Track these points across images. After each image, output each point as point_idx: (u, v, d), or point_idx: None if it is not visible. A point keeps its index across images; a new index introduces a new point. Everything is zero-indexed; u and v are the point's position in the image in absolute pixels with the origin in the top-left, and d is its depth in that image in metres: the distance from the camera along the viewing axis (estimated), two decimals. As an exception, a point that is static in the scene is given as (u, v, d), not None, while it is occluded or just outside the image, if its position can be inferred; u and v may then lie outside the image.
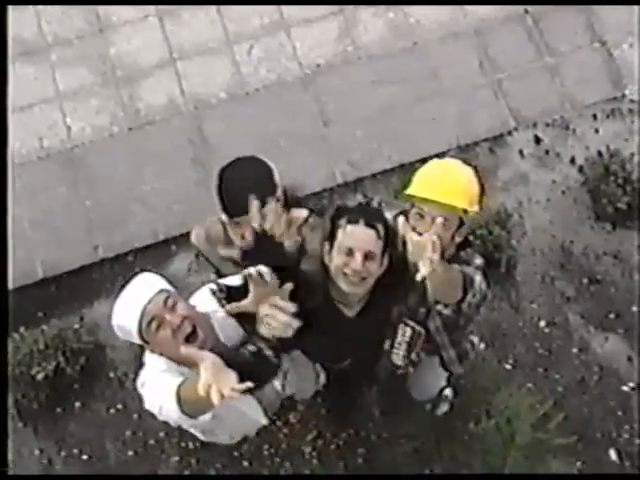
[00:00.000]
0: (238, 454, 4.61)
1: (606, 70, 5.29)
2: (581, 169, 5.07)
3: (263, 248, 3.03)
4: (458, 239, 3.33)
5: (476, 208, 3.28)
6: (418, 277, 2.80)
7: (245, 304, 3.04)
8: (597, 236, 4.97)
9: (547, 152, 5.14)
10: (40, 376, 4.60)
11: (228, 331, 3.19)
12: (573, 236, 4.96)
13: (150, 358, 3.13)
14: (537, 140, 5.16)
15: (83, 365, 4.70)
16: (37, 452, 4.66)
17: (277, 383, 3.41)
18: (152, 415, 4.50)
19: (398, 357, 3.34)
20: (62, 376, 4.66)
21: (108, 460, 4.65)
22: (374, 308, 3.28)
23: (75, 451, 4.67)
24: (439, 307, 3.24)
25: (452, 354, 3.69)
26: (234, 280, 3.24)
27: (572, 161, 5.10)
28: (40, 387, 4.65)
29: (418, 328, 3.28)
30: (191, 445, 4.64)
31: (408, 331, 3.29)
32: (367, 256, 3.04)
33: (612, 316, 4.81)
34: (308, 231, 3.43)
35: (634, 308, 4.81)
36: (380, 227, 3.07)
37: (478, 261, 3.36)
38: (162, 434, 4.65)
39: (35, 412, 4.68)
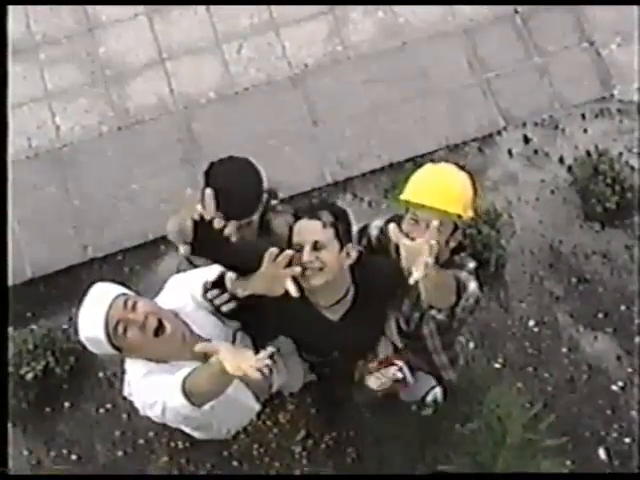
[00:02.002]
0: (228, 454, 4.61)
1: (595, 70, 5.31)
2: (570, 169, 5.09)
3: (206, 240, 2.95)
4: (452, 244, 3.34)
5: (470, 213, 3.29)
6: (411, 280, 2.80)
7: (253, 285, 3.03)
8: (586, 235, 4.99)
9: (536, 152, 5.15)
10: (29, 376, 4.58)
11: (202, 324, 3.20)
12: (562, 236, 4.97)
13: (130, 364, 3.14)
14: (526, 140, 5.17)
15: (72, 365, 4.69)
16: (26, 452, 4.65)
17: None
18: (141, 414, 4.52)
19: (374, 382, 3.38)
20: (51, 376, 4.65)
21: (97, 460, 4.65)
22: (358, 311, 3.28)
23: (64, 451, 4.66)
24: (433, 312, 3.25)
25: (444, 359, 3.71)
26: (207, 272, 3.22)
27: (561, 161, 5.12)
28: (29, 387, 4.63)
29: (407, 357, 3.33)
30: (181, 445, 4.63)
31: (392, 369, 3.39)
32: (315, 246, 3.04)
33: (601, 315, 4.82)
34: (272, 215, 3.47)
35: (623, 307, 4.83)
36: (325, 216, 3.08)
37: (471, 265, 3.37)
38: (151, 434, 4.65)
39: (24, 412, 4.66)
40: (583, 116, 5.22)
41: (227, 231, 2.91)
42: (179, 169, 5.11)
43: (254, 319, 3.21)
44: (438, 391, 4.33)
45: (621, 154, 5.06)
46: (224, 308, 3.11)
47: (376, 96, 5.23)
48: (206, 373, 2.73)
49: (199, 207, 2.95)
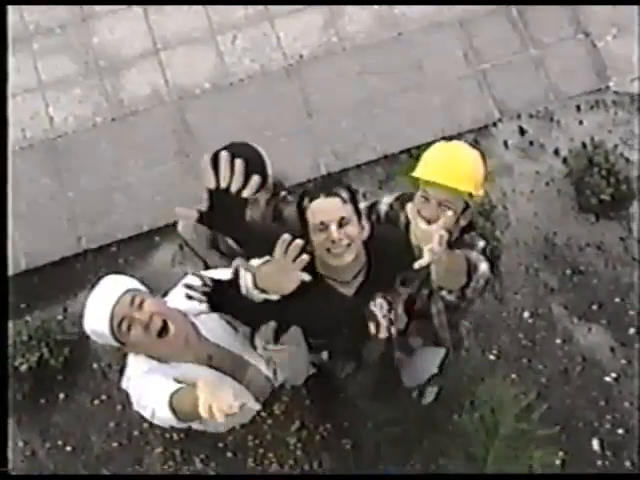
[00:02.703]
0: (222, 445, 4.60)
1: (590, 62, 5.30)
2: (565, 160, 5.09)
3: (222, 208, 2.87)
4: (463, 222, 3.32)
5: (481, 192, 3.27)
6: (416, 265, 2.77)
7: (263, 267, 2.99)
8: (581, 227, 4.99)
9: (531, 143, 5.15)
10: (23, 367, 4.59)
11: (214, 329, 3.17)
12: (557, 227, 4.98)
13: (132, 359, 3.13)
14: (521, 131, 5.17)
15: (67, 356, 4.69)
16: (21, 444, 4.65)
17: (264, 367, 3.41)
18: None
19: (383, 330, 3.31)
20: (46, 367, 4.65)
21: (92, 451, 4.66)
22: (372, 284, 3.25)
23: (59, 442, 4.66)
24: (443, 293, 3.22)
25: (447, 335, 3.67)
26: (220, 273, 3.21)
27: (556, 152, 5.12)
28: (23, 378, 4.64)
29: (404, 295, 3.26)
30: (175, 436, 4.61)
31: (385, 305, 3.27)
32: (341, 223, 3.01)
33: (595, 307, 4.83)
34: (284, 205, 3.45)
35: (617, 299, 4.83)
36: (342, 192, 3.04)
37: (481, 244, 3.35)
38: (146, 425, 4.63)
39: (19, 403, 4.67)
40: (578, 108, 5.22)
41: (247, 191, 2.80)
42: (173, 160, 5.10)
43: (262, 311, 3.17)
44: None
45: (616, 146, 5.06)
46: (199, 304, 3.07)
47: (371, 87, 5.22)
48: (189, 397, 2.66)
49: (212, 176, 2.87)
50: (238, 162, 2.69)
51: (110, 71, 5.31)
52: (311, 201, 3.05)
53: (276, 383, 3.56)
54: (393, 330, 3.35)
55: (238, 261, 3.04)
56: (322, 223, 3.01)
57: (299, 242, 2.81)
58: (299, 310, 3.20)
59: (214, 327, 3.16)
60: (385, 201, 3.61)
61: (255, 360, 3.32)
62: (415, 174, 3.27)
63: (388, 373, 3.95)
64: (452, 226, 3.23)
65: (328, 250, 3.04)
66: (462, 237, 3.37)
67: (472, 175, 3.23)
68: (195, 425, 3.69)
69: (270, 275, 2.92)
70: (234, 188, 2.76)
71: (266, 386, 3.49)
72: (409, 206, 2.89)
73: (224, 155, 2.74)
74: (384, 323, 3.32)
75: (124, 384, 3.15)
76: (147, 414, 2.99)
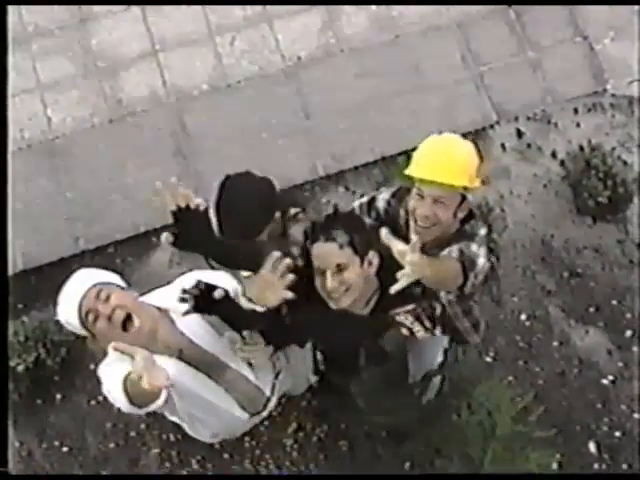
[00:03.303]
0: (219, 446, 4.61)
1: (588, 64, 5.31)
2: (562, 163, 5.09)
3: (188, 227, 2.93)
4: (461, 215, 3.31)
5: (477, 183, 3.26)
6: (391, 291, 2.78)
7: (251, 278, 3.04)
8: (578, 230, 4.99)
9: (529, 146, 5.15)
10: (20, 368, 4.58)
11: (192, 327, 3.24)
12: (554, 230, 4.98)
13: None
14: (519, 134, 5.18)
15: (64, 357, 4.69)
16: (17, 444, 4.65)
17: (252, 376, 3.41)
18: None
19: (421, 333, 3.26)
20: (42, 368, 4.65)
21: (89, 452, 4.65)
22: (385, 303, 3.23)
23: (56, 443, 4.66)
24: (441, 294, 3.22)
25: (467, 324, 3.66)
26: (218, 277, 3.23)
27: (553, 155, 5.12)
28: (20, 379, 4.63)
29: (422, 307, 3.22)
30: (172, 437, 4.63)
31: (409, 317, 3.23)
32: (339, 269, 3.01)
33: (592, 310, 4.82)
34: (293, 222, 3.42)
35: (614, 302, 4.83)
36: (340, 236, 3.02)
37: (482, 232, 3.34)
38: (143, 426, 4.65)
39: (15, 404, 4.66)
40: (576, 110, 5.22)
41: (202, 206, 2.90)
42: (171, 161, 5.10)
43: (268, 326, 3.17)
44: (438, 380, 4.34)
45: (614, 148, 5.06)
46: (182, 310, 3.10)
47: (369, 89, 5.22)
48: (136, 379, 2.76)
49: (180, 195, 2.92)
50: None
51: (108, 72, 5.31)
52: (312, 243, 3.06)
53: (268, 393, 3.53)
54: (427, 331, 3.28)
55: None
56: (319, 268, 3.04)
57: (288, 261, 2.93)
58: (317, 325, 3.21)
59: (193, 324, 3.23)
60: (382, 197, 3.61)
61: (238, 366, 3.34)
62: (407, 172, 3.26)
63: (396, 369, 3.93)
64: (449, 220, 3.23)
65: (328, 294, 3.06)
66: (462, 228, 3.36)
67: (465, 168, 3.22)
68: (189, 431, 3.70)
69: (256, 287, 3.01)
70: (192, 205, 2.87)
71: (253, 393, 3.48)
72: (382, 232, 2.86)
73: (171, 184, 2.92)
74: (418, 327, 3.28)
75: (99, 371, 3.25)
76: (111, 399, 3.10)
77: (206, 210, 2.96)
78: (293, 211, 3.46)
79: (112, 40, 5.37)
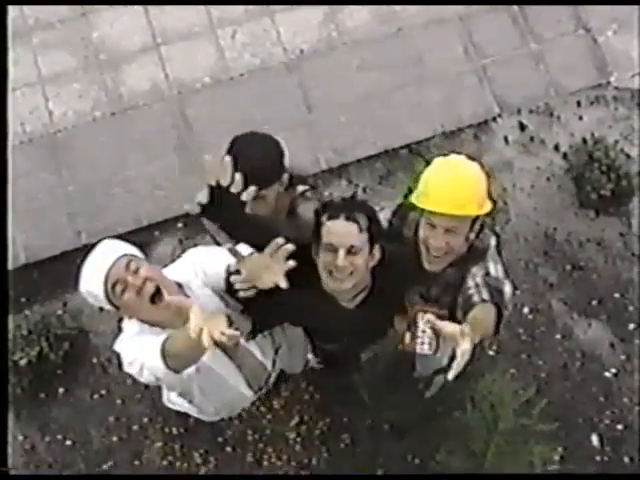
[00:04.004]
0: (222, 439, 4.62)
1: (591, 57, 5.30)
2: (565, 156, 5.08)
3: (221, 204, 2.93)
4: (472, 236, 3.24)
5: (487, 207, 3.17)
6: (450, 377, 2.74)
7: (251, 257, 3.02)
8: (581, 223, 4.99)
9: (532, 139, 5.14)
10: (23, 362, 4.59)
11: (204, 302, 3.17)
12: (557, 223, 4.98)
13: (126, 323, 3.15)
14: (522, 127, 5.17)
15: (66, 351, 4.69)
16: (20, 438, 4.65)
17: (258, 353, 3.41)
18: (136, 400, 4.54)
19: (423, 347, 3.23)
20: (45, 362, 4.65)
21: (92, 446, 4.66)
22: (374, 299, 3.24)
23: (59, 437, 4.66)
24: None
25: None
26: (220, 254, 3.21)
27: (556, 148, 5.11)
28: (23, 373, 4.64)
29: (442, 312, 3.19)
30: (175, 431, 4.64)
31: (431, 318, 3.19)
32: (350, 251, 2.98)
33: (595, 303, 4.83)
34: (301, 200, 3.39)
35: (617, 295, 4.84)
36: (362, 219, 3.00)
37: (493, 242, 3.30)
38: (146, 420, 4.65)
39: (18, 398, 4.66)
40: (579, 103, 5.21)
41: (245, 196, 2.88)
42: (173, 154, 5.10)
43: (265, 306, 3.17)
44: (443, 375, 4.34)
45: (616, 142, 5.06)
46: (242, 294, 3.08)
47: (371, 82, 5.22)
48: (182, 335, 2.70)
49: (216, 172, 2.92)
50: (237, 176, 2.85)
51: (110, 65, 5.29)
52: (329, 219, 3.02)
53: (270, 368, 3.53)
54: (429, 348, 3.26)
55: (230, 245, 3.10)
56: (332, 245, 3.00)
57: (289, 247, 2.88)
58: (299, 311, 3.21)
59: (207, 302, 3.16)
60: (383, 216, 3.52)
61: (246, 342, 3.32)
62: (417, 202, 3.18)
63: (402, 363, 3.94)
64: (460, 244, 3.18)
65: (330, 272, 3.03)
66: (473, 244, 3.30)
67: (474, 196, 3.12)
68: (191, 410, 3.68)
69: (255, 264, 2.98)
70: (233, 189, 2.85)
71: (259, 370, 3.49)
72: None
73: (227, 160, 2.88)
74: (426, 338, 3.25)
75: (117, 346, 3.17)
76: (135, 370, 3.01)
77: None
78: (302, 188, 3.44)
79: (113, 33, 5.36)
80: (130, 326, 3.12)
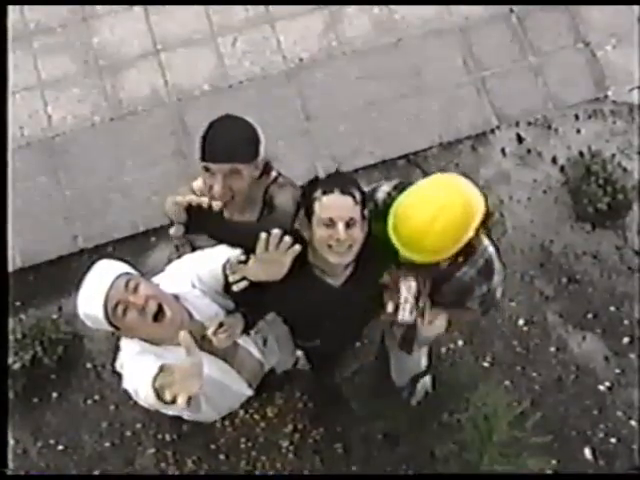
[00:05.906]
0: (215, 447, 4.61)
1: (589, 71, 5.31)
2: (562, 169, 5.09)
3: (200, 219, 2.95)
4: (461, 258, 3.16)
5: (471, 234, 3.03)
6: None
7: (252, 272, 3.02)
8: (577, 236, 5.00)
9: (529, 151, 5.16)
10: (17, 366, 4.58)
11: (204, 311, 3.17)
12: (553, 235, 4.98)
13: (125, 342, 3.13)
14: (519, 139, 5.18)
15: (61, 355, 4.69)
16: (12, 442, 4.64)
17: (255, 351, 3.40)
18: (129, 406, 4.52)
19: (405, 313, 3.18)
20: (39, 366, 4.65)
21: (84, 451, 4.65)
22: (361, 275, 3.22)
23: (51, 441, 4.65)
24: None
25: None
26: (216, 255, 3.21)
27: (554, 161, 5.12)
28: (16, 377, 4.63)
29: (422, 278, 3.13)
30: (168, 437, 4.63)
31: (413, 285, 3.16)
32: (348, 224, 2.98)
33: (590, 316, 4.83)
34: (276, 189, 3.40)
35: (612, 308, 4.84)
36: (355, 192, 3.00)
37: (491, 249, 3.29)
38: (139, 425, 4.64)
39: (11, 402, 4.65)
40: (576, 116, 5.23)
41: (215, 206, 2.87)
42: (171, 161, 5.10)
43: (254, 295, 3.15)
44: (427, 380, 4.34)
45: (614, 155, 5.07)
46: (235, 287, 3.07)
47: (370, 92, 5.23)
48: (168, 382, 2.64)
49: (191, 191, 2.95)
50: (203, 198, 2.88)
51: (110, 71, 5.30)
52: (324, 194, 3.01)
53: (266, 366, 3.52)
54: (410, 315, 3.22)
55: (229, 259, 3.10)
56: (330, 220, 2.99)
57: (277, 232, 2.87)
58: (283, 296, 3.20)
59: (205, 309, 3.16)
60: (384, 189, 3.50)
61: (244, 342, 3.32)
62: (395, 242, 3.05)
63: (381, 373, 3.94)
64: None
65: (329, 246, 3.02)
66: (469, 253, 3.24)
67: (459, 230, 3.00)
68: (188, 415, 3.67)
69: (262, 268, 2.98)
70: (204, 206, 2.86)
71: (257, 368, 3.47)
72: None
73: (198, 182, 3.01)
74: (408, 305, 3.21)
75: (118, 365, 3.15)
76: (133, 393, 2.98)
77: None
78: (274, 173, 3.44)
79: (114, 39, 5.37)
80: (131, 345, 3.10)
